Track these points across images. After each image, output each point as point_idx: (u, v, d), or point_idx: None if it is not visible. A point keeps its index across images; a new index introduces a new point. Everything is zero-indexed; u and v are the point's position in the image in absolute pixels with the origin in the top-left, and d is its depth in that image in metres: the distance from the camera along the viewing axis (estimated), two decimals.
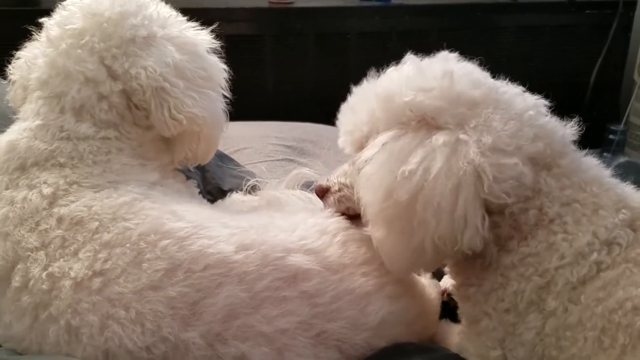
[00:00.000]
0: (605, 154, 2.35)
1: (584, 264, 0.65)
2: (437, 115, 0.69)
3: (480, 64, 0.78)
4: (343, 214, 0.85)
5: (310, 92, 2.24)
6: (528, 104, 0.72)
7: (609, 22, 2.39)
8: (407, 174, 0.66)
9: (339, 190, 0.84)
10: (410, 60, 0.78)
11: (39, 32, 0.87)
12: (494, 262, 0.70)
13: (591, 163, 0.73)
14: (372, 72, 0.81)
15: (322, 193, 0.87)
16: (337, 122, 0.84)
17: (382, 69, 0.81)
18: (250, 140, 1.56)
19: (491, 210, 0.69)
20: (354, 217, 0.84)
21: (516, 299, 0.68)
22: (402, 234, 0.68)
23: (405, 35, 2.23)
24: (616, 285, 0.63)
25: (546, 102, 0.74)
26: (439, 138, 0.67)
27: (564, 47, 2.43)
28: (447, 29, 2.28)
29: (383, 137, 0.71)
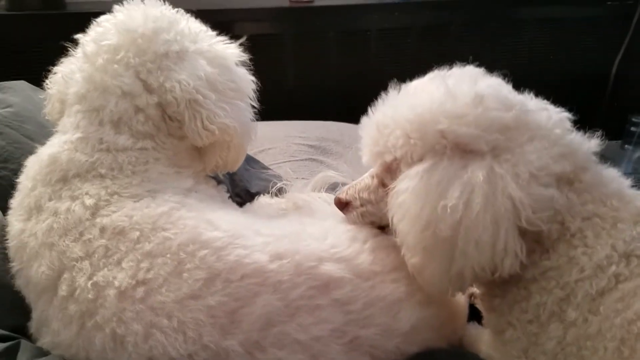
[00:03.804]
0: (626, 145, 2.31)
1: (603, 276, 0.66)
2: (472, 142, 0.70)
3: (504, 77, 0.78)
4: None
5: (332, 89, 2.24)
6: (554, 121, 0.73)
7: (630, 13, 2.35)
8: (448, 210, 0.67)
9: (362, 205, 0.85)
10: (437, 79, 0.78)
11: (74, 48, 0.90)
12: (515, 274, 0.72)
13: (612, 175, 0.74)
14: (393, 84, 0.80)
15: (342, 207, 0.88)
16: (361, 137, 0.83)
17: (402, 82, 0.80)
18: (274, 141, 1.59)
19: None
20: (378, 228, 0.86)
21: (538, 310, 0.70)
22: (441, 262, 0.70)
23: (426, 30, 2.20)
24: (634, 296, 0.64)
25: (569, 116, 0.75)
26: (477, 173, 0.68)
27: (585, 39, 2.40)
28: (467, 23, 2.25)
29: (419, 167, 0.72)
